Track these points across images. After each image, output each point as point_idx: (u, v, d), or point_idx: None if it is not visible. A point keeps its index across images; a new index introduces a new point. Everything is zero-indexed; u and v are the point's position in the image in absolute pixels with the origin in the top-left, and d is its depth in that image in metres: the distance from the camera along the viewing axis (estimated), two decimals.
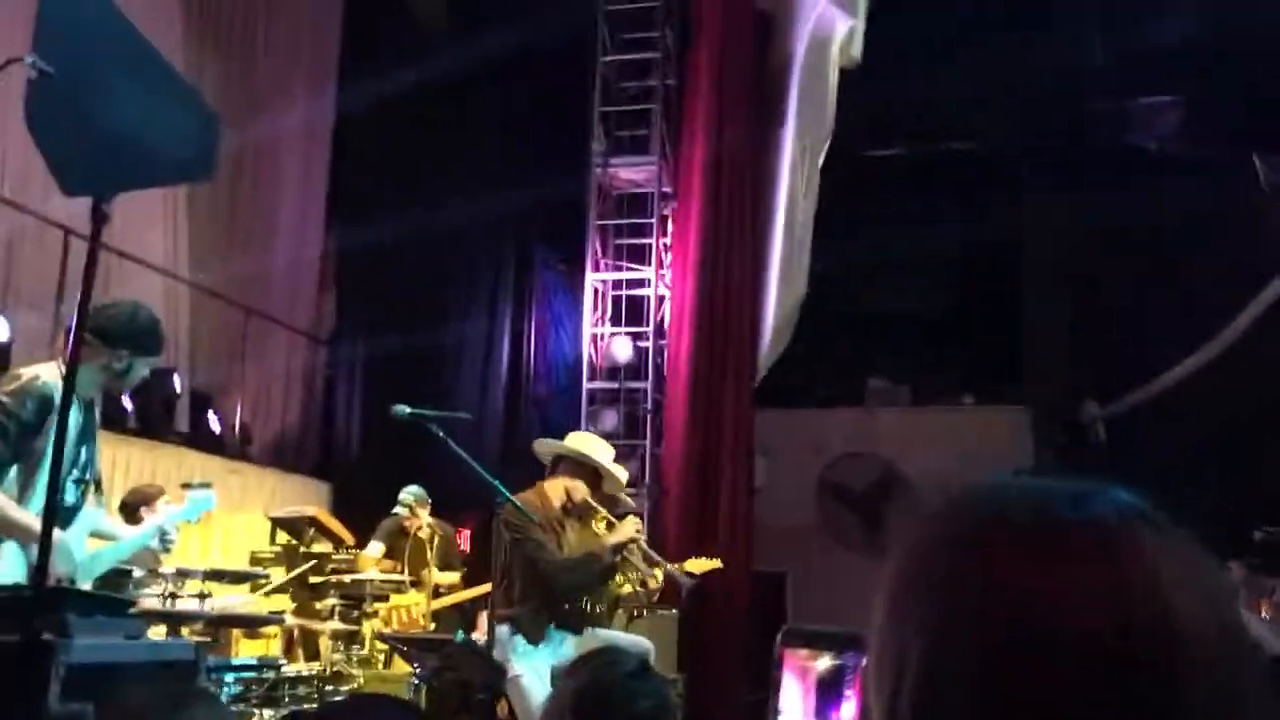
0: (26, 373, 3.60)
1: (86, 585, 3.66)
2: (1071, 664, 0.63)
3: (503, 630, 4.76)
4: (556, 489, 5.01)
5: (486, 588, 6.46)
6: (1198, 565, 0.67)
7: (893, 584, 0.73)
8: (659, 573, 5.83)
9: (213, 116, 2.56)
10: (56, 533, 3.41)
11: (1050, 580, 0.65)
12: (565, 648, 4.88)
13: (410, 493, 7.19)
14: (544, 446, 5.19)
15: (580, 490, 5.01)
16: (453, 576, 7.24)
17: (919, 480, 9.46)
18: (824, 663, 0.88)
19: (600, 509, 5.13)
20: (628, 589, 6.39)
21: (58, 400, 3.33)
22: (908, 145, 9.86)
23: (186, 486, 4.35)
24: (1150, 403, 8.49)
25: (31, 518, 3.44)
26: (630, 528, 5.07)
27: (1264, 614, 6.68)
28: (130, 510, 5.80)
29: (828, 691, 0.88)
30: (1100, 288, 9.27)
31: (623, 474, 5.32)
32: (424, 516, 7.06)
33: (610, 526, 5.07)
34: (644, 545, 5.38)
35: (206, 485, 4.32)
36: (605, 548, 4.93)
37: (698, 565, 6.65)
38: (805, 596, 9.88)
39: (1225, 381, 8.74)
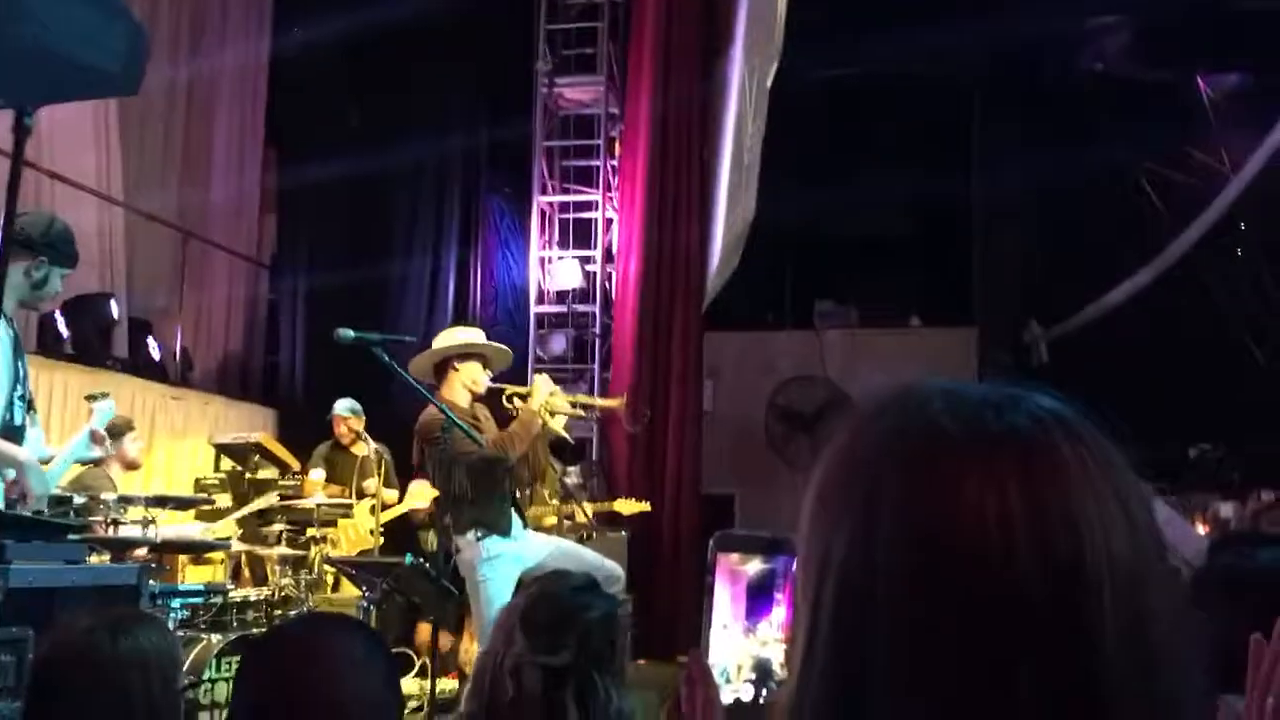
0: None
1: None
2: (988, 581, 0.62)
3: (469, 538, 4.76)
4: (456, 391, 4.99)
5: (421, 494, 6.45)
6: (1116, 479, 0.65)
7: (819, 487, 0.71)
8: (587, 507, 5.93)
9: (139, 29, 2.46)
10: (26, 452, 3.59)
11: (970, 495, 0.63)
12: (531, 550, 4.91)
13: (341, 405, 7.18)
14: (421, 362, 5.13)
15: (478, 379, 5.01)
16: (394, 495, 7.20)
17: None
18: (754, 567, 0.87)
19: (505, 386, 5.15)
20: (550, 520, 6.44)
21: None
22: (858, 68, 9.78)
23: (91, 399, 4.34)
24: (1094, 324, 8.60)
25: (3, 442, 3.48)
26: (543, 386, 5.13)
27: (1202, 530, 6.85)
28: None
29: (758, 595, 0.87)
30: (1050, 211, 9.33)
31: (480, 338, 5.27)
32: (354, 426, 7.05)
33: (523, 398, 5.08)
34: (562, 394, 5.42)
35: (105, 395, 4.33)
36: (531, 413, 4.96)
37: (626, 506, 6.72)
38: (754, 519, 9.98)
39: (1166, 303, 8.88)
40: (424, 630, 6.40)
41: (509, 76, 9.50)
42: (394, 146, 9.05)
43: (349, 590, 6.08)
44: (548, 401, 5.12)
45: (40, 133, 7.32)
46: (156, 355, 8.23)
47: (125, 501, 5.08)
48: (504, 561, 4.79)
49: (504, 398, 5.14)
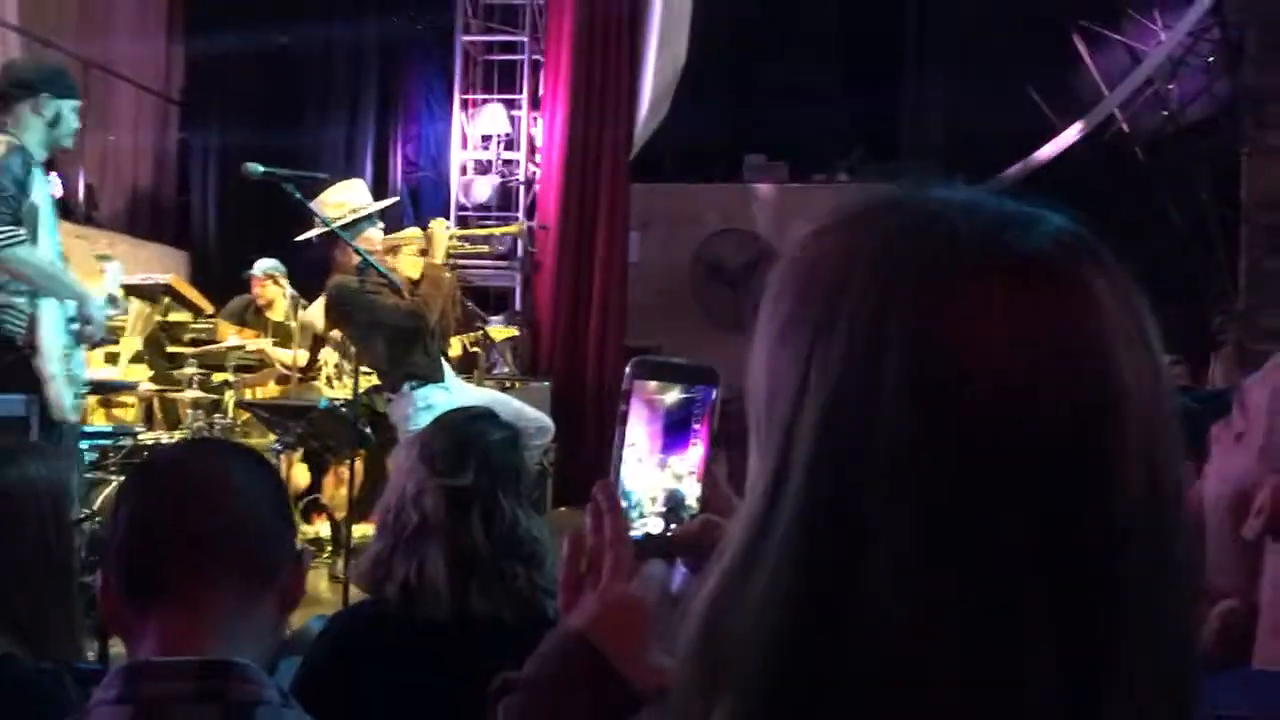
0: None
1: None
2: (1008, 415, 0.53)
3: (405, 388, 4.68)
4: (351, 256, 4.74)
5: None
6: (1138, 311, 0.57)
7: (792, 301, 0.59)
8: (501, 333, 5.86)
9: None
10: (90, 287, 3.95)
11: (995, 319, 0.54)
12: (463, 400, 4.80)
13: (260, 265, 6.71)
14: (312, 236, 4.94)
15: (372, 240, 4.85)
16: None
17: None
18: (672, 397, 0.80)
19: (404, 237, 5.01)
20: (456, 349, 6.36)
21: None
22: None
23: (102, 259, 4.65)
24: (1024, 179, 8.58)
25: (73, 275, 3.98)
26: (441, 234, 5.03)
27: None
28: None
29: (673, 427, 0.80)
30: (982, 61, 9.20)
31: (365, 195, 5.08)
32: (273, 290, 6.63)
33: (423, 251, 4.94)
34: (460, 233, 5.33)
35: (110, 256, 4.61)
36: (437, 268, 4.87)
37: (498, 333, 6.65)
38: None
39: (1094, 157, 8.89)
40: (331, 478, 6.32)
41: None
42: None
43: (264, 435, 5.99)
44: (450, 245, 5.00)
45: None
46: (59, 192, 7.88)
47: None
48: (436, 410, 4.71)
49: (404, 250, 4.94)
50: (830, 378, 0.56)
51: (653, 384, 0.81)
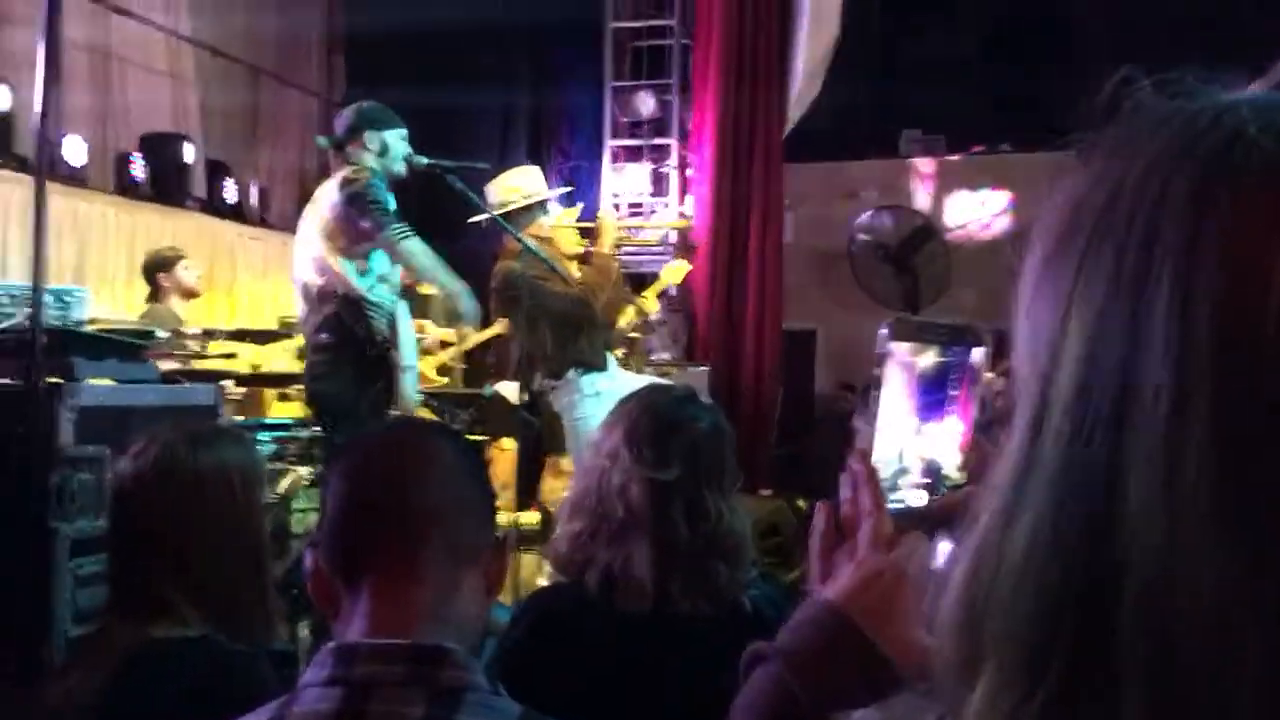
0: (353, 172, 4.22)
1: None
2: None
3: (570, 374, 4.71)
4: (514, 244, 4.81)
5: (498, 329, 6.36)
6: None
7: (1049, 240, 0.51)
8: (650, 295, 5.87)
9: None
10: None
11: None
12: (627, 387, 4.81)
13: None
14: (482, 220, 4.98)
15: (543, 228, 4.87)
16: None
17: (952, 231, 9.27)
18: (928, 359, 0.72)
19: (570, 227, 5.02)
20: (628, 319, 6.33)
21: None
22: None
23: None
24: None
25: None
26: (611, 225, 5.02)
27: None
28: (149, 274, 5.75)
29: (933, 391, 0.73)
30: (1147, 25, 8.73)
31: (539, 183, 5.09)
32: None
33: (590, 238, 4.96)
34: (627, 224, 5.32)
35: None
36: (605, 258, 4.87)
37: (672, 273, 6.57)
38: (836, 353, 9.86)
39: None
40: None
41: None
42: None
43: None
44: (617, 238, 5.01)
45: None
46: (234, 196, 8.22)
47: (208, 335, 5.11)
48: (603, 399, 4.74)
49: (564, 242, 4.97)
50: (1094, 308, 0.49)
51: (909, 346, 0.74)
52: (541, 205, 4.93)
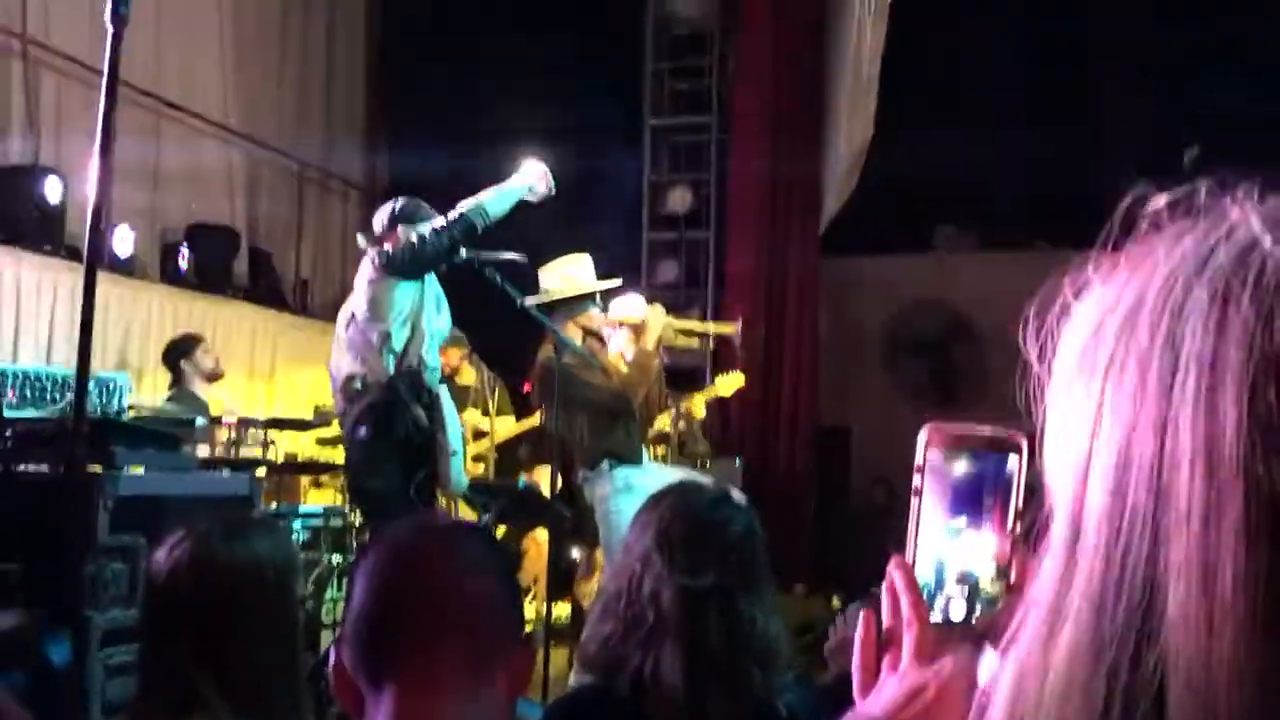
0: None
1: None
2: None
3: (603, 466, 4.69)
4: (568, 329, 4.81)
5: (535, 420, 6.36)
6: None
7: (1077, 342, 0.52)
8: (695, 405, 5.84)
9: None
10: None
11: None
12: (660, 480, 4.79)
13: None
14: (532, 301, 5.02)
15: (592, 319, 4.89)
16: (506, 421, 7.14)
17: (988, 328, 9.24)
18: (969, 466, 0.73)
19: (619, 319, 5.00)
20: (665, 421, 6.30)
21: None
22: None
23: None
24: None
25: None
26: (657, 322, 4.99)
27: None
28: (170, 361, 5.84)
29: (972, 500, 0.73)
30: (1183, 97, 8.75)
31: (589, 273, 5.08)
32: (452, 358, 6.84)
33: (636, 331, 4.95)
34: (676, 323, 5.29)
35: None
36: (648, 355, 4.85)
37: (726, 385, 6.54)
38: (871, 449, 9.78)
39: None
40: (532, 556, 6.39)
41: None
42: (502, 68, 8.93)
43: (465, 513, 6.10)
44: (661, 335, 4.99)
45: (163, 67, 7.43)
46: (276, 285, 8.36)
47: (245, 424, 5.16)
48: (635, 494, 4.72)
49: (615, 327, 5.00)
50: (1121, 420, 0.49)
51: (946, 453, 0.74)
52: (592, 296, 4.95)
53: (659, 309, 5.13)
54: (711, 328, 6.78)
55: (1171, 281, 0.50)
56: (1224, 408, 0.46)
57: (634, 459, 4.75)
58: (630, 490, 4.65)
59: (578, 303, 4.87)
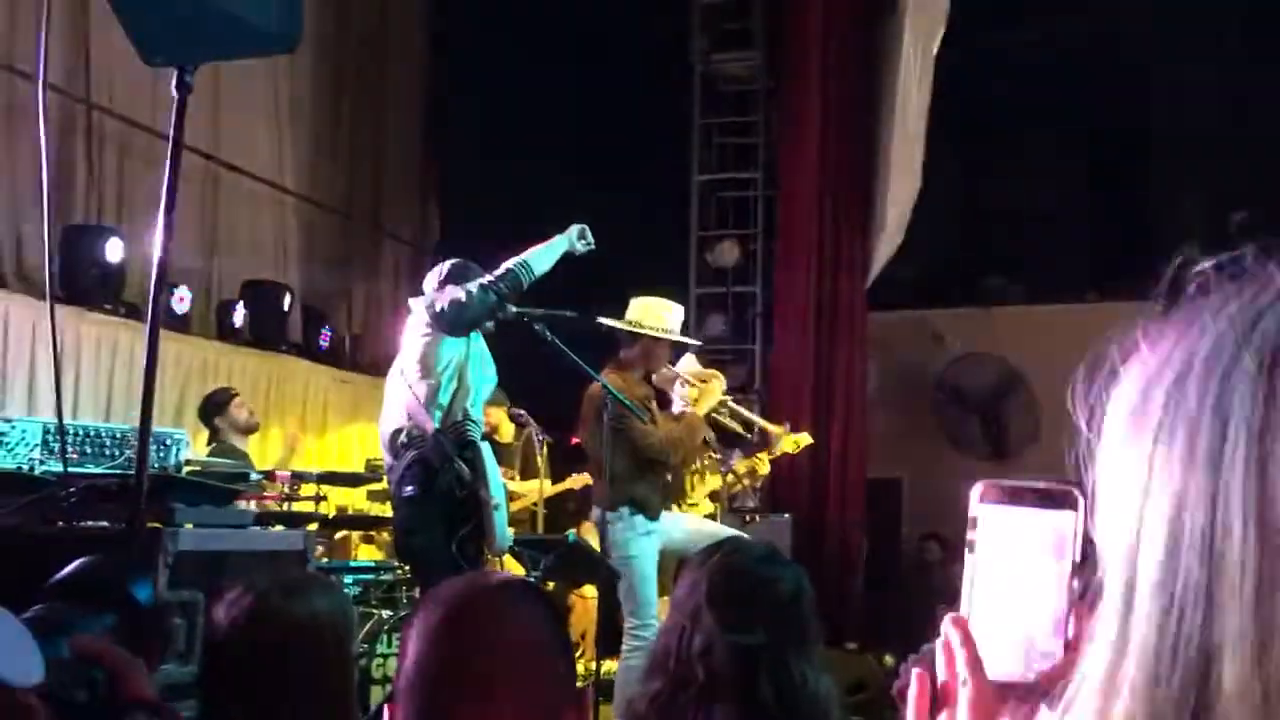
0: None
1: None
2: None
3: (624, 511, 4.73)
4: (635, 362, 4.92)
5: (582, 479, 6.38)
6: None
7: (1126, 406, 0.53)
8: (759, 462, 5.82)
9: None
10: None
11: None
12: (675, 530, 4.88)
13: None
14: (612, 323, 5.12)
15: (660, 364, 4.95)
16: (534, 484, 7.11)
17: (1039, 381, 9.15)
18: (1025, 523, 0.73)
19: (682, 375, 5.07)
20: (716, 482, 6.30)
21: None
22: (1029, 30, 9.33)
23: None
24: None
25: None
26: (718, 389, 5.02)
27: None
28: (206, 418, 5.92)
29: (1028, 557, 0.73)
30: (1231, 164, 8.69)
31: (678, 323, 5.15)
32: (495, 414, 6.84)
33: (696, 388, 5.03)
34: (733, 404, 5.32)
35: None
36: (698, 419, 4.91)
37: (790, 442, 6.51)
38: (922, 502, 9.68)
39: None
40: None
41: (663, 55, 9.39)
42: (553, 128, 9.05)
43: (514, 568, 6.10)
44: (714, 407, 5.07)
45: (219, 129, 7.61)
46: (328, 341, 8.46)
47: (298, 478, 5.21)
48: (654, 539, 4.80)
49: (679, 382, 5.10)
50: (1172, 487, 0.49)
51: (999, 509, 0.74)
52: (670, 344, 5.00)
53: (721, 380, 5.18)
54: (762, 422, 6.70)
55: (1219, 348, 0.50)
56: (1275, 476, 0.46)
57: (654, 514, 4.80)
58: (649, 535, 4.73)
59: (656, 344, 4.89)
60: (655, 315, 5.01)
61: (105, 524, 2.50)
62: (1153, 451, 0.51)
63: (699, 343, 5.23)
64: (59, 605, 1.22)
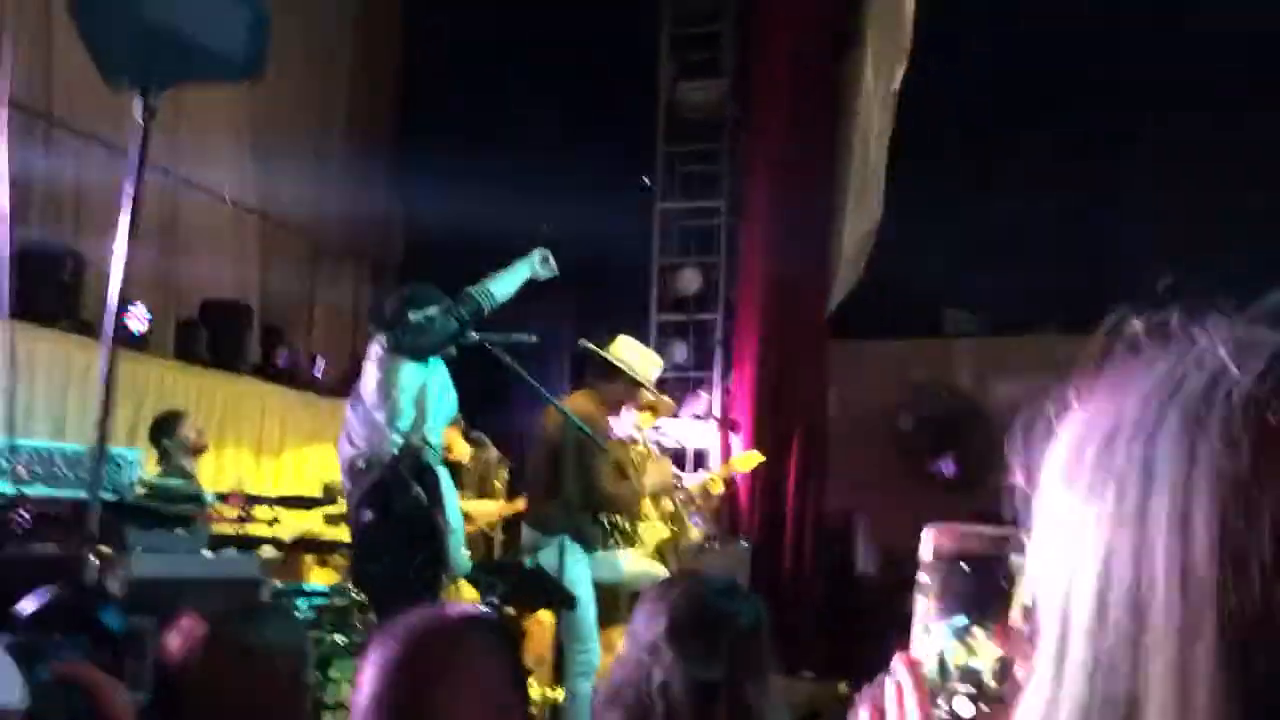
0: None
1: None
2: None
3: (563, 538, 4.81)
4: (608, 396, 5.06)
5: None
6: None
7: (1060, 462, 0.55)
8: (713, 483, 6.00)
9: (262, 17, 2.44)
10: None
11: None
12: (612, 564, 4.99)
13: None
14: (594, 351, 5.24)
15: (637, 413, 5.12)
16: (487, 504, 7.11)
17: (999, 413, 9.24)
18: (972, 564, 0.75)
19: (638, 442, 5.25)
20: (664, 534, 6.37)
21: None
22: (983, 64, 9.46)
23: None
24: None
25: None
26: (665, 474, 5.22)
27: None
28: (156, 439, 5.89)
29: (974, 597, 0.75)
30: (1195, 192, 8.81)
31: (655, 373, 5.35)
32: (447, 437, 6.84)
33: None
34: (677, 500, 5.50)
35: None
36: (666, 475, 5.06)
37: (743, 462, 6.62)
38: (880, 532, 9.72)
39: None
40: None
41: (630, 81, 9.45)
42: (520, 151, 9.06)
43: (471, 592, 6.06)
44: (661, 490, 5.30)
45: (178, 141, 7.54)
46: (286, 362, 8.40)
47: (253, 500, 5.16)
48: (585, 566, 4.91)
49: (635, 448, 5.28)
50: (1101, 544, 0.52)
51: (952, 551, 0.76)
52: (640, 385, 5.18)
53: (669, 467, 5.43)
54: (735, 466, 6.96)
55: (1146, 407, 0.52)
56: (1196, 532, 0.48)
57: (589, 548, 4.91)
58: (580, 562, 4.82)
59: (635, 389, 5.13)
60: (645, 364, 5.22)
61: (55, 549, 2.47)
62: (1084, 507, 0.53)
63: (670, 403, 5.52)
64: (34, 633, 1.23)
